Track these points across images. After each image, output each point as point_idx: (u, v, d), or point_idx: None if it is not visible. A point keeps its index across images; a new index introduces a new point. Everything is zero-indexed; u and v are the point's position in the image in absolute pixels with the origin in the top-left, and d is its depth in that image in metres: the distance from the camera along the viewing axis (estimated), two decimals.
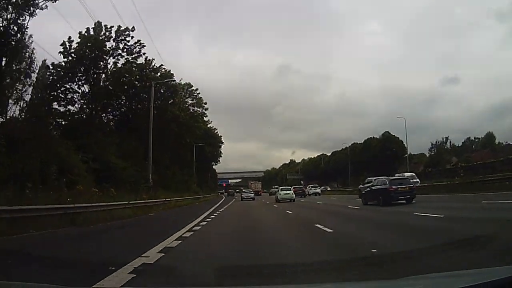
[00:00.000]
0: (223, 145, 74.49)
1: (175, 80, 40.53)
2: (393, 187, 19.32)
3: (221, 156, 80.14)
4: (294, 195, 36.35)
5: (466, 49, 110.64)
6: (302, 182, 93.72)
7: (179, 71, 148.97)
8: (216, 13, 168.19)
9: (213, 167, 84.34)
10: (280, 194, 35.87)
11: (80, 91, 33.64)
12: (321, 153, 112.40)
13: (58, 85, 32.91)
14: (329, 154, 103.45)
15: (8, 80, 24.54)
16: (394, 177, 20.92)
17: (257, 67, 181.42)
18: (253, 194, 51.58)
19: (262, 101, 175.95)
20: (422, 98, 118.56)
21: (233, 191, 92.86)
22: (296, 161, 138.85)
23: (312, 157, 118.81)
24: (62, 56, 32.32)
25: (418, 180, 34.12)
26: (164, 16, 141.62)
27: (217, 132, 69.53)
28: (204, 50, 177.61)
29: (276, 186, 68.51)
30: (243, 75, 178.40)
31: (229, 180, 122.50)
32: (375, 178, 25.33)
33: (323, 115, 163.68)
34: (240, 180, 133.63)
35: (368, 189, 22.67)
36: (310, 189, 55.41)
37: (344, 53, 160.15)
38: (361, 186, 31.57)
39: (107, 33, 33.96)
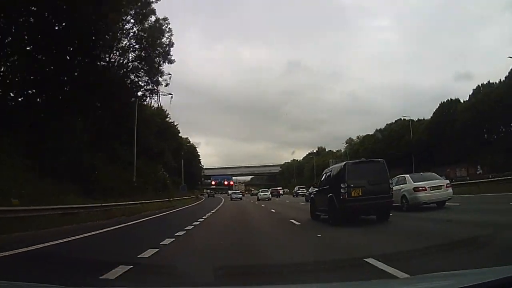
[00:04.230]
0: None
1: None
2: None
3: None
4: (270, 195, 50.50)
5: (477, 44, 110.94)
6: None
7: (186, 68, 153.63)
8: (224, 9, 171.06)
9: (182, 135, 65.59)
10: (260, 195, 49.94)
11: None
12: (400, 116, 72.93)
13: None
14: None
15: None
16: None
17: (266, 64, 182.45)
18: (241, 195, 61.95)
19: (271, 99, 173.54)
20: (433, 94, 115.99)
21: (213, 192, 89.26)
22: (326, 149, 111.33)
23: (370, 133, 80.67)
24: None
25: None
26: (170, 12, 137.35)
27: None
28: (211, 47, 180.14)
29: (253, 189, 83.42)
30: (251, 73, 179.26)
31: (234, 177, 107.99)
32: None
33: (333, 113, 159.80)
34: (251, 177, 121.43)
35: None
36: (279, 191, 66.40)
37: (355, 49, 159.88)
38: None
39: None
